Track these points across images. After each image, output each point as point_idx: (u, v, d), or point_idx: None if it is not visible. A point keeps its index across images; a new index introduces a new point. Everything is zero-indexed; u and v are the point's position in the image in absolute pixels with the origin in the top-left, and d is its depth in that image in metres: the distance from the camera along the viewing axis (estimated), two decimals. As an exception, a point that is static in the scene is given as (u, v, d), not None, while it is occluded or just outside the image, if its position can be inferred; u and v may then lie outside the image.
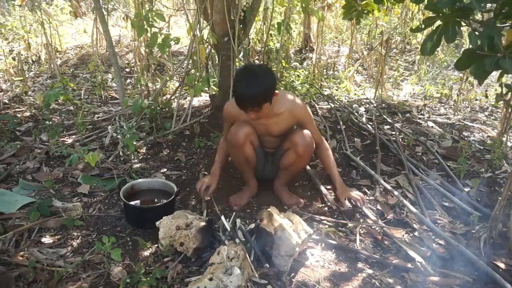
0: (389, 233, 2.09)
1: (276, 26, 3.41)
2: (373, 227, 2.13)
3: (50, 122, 2.97)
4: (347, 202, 2.27)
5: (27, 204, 2.19)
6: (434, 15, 1.61)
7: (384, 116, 3.71)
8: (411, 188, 2.51)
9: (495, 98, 2.60)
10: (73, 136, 3.15)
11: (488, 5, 1.59)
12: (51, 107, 3.23)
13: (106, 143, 2.98)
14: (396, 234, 2.08)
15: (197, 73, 3.07)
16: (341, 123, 3.37)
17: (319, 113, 3.56)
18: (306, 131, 2.18)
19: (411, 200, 2.40)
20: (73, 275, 1.70)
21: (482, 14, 1.61)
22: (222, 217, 2.03)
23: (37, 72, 4.90)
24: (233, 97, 2.10)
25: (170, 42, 2.80)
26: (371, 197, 2.44)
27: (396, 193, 2.39)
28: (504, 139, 2.99)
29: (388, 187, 2.47)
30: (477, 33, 1.51)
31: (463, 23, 1.61)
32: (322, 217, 2.20)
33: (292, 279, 1.73)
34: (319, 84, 4.56)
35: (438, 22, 1.62)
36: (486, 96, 4.12)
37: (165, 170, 2.69)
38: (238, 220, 2.02)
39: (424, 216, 2.20)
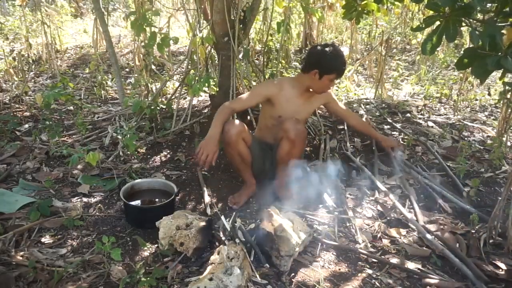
0: (389, 233, 2.10)
1: (276, 26, 3.41)
2: (372, 227, 2.13)
3: (50, 122, 2.97)
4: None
5: (27, 204, 2.19)
6: (434, 14, 1.61)
7: (384, 116, 3.71)
8: (410, 188, 2.50)
9: (498, 95, 2.60)
10: (73, 136, 3.15)
11: (488, 4, 1.59)
12: (51, 107, 3.23)
13: (106, 143, 2.98)
14: (396, 234, 2.09)
15: (197, 73, 3.06)
16: (345, 123, 3.36)
17: (318, 113, 3.55)
18: (296, 119, 2.27)
19: (411, 200, 2.40)
20: (73, 275, 1.70)
21: (483, 14, 1.61)
22: (222, 217, 2.04)
23: (37, 72, 4.90)
24: (324, 72, 2.29)
25: (168, 42, 2.80)
26: (371, 198, 2.44)
27: (391, 196, 2.38)
28: (504, 139, 2.99)
29: (383, 188, 2.47)
30: (478, 32, 1.51)
31: (463, 22, 1.60)
32: (322, 217, 2.20)
33: (292, 279, 1.73)
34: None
35: (439, 22, 1.62)
36: (489, 94, 4.12)
37: (165, 170, 2.69)
38: (238, 220, 2.02)
39: (415, 219, 2.18)
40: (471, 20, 1.60)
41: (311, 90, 2.40)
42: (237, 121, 2.26)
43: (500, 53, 1.46)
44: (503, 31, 1.53)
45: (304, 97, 2.43)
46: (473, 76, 4.18)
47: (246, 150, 2.29)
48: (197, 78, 2.98)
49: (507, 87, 2.12)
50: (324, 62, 2.27)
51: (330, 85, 2.36)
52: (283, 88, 2.37)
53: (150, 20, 2.72)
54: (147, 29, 2.80)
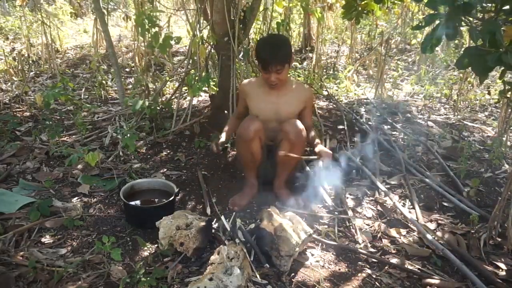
0: (389, 233, 2.10)
1: (276, 26, 3.41)
2: (372, 227, 2.13)
3: (50, 122, 2.97)
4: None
5: (27, 204, 2.19)
6: (434, 13, 1.61)
7: (384, 116, 3.71)
8: (410, 189, 2.50)
9: (498, 94, 2.60)
10: (73, 136, 3.15)
11: (488, 4, 1.58)
12: (51, 107, 3.23)
13: (106, 143, 2.98)
14: (396, 234, 2.09)
15: (197, 73, 3.06)
16: (345, 123, 3.36)
17: (318, 113, 3.56)
18: (296, 120, 2.23)
19: (411, 199, 2.40)
20: (73, 275, 1.70)
21: (484, 13, 1.60)
22: (222, 217, 2.04)
23: (37, 72, 4.90)
24: (258, 61, 2.24)
25: (169, 42, 2.80)
26: (371, 198, 2.44)
27: (391, 195, 2.38)
28: (504, 139, 2.99)
29: (383, 188, 2.46)
30: (478, 29, 1.50)
31: (463, 21, 1.60)
32: (322, 217, 2.20)
33: (292, 279, 1.73)
34: (319, 84, 4.56)
35: (438, 21, 1.62)
36: (489, 93, 4.11)
37: (165, 170, 2.69)
38: (238, 220, 2.02)
39: (415, 219, 2.18)
40: (470, 19, 1.60)
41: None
42: (255, 119, 2.24)
43: (500, 50, 1.46)
44: (503, 28, 1.52)
45: (274, 94, 2.31)
46: (473, 76, 4.19)
47: (259, 149, 2.27)
48: (197, 78, 2.98)
49: (507, 87, 2.12)
50: (256, 51, 2.24)
51: (267, 76, 2.20)
52: (253, 87, 2.37)
53: (154, 20, 2.72)
54: (150, 29, 2.80)
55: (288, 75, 2.35)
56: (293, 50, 2.28)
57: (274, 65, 2.15)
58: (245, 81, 2.51)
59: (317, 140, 2.33)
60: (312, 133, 2.38)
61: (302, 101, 2.34)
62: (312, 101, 2.45)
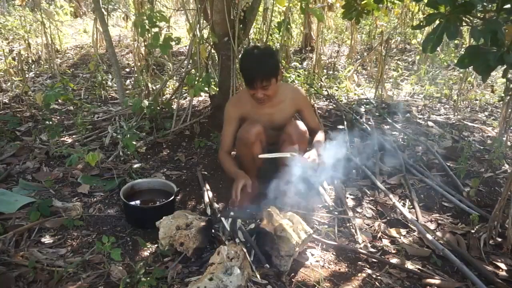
0: (389, 233, 2.10)
1: (276, 26, 3.41)
2: (372, 227, 2.13)
3: (50, 122, 2.97)
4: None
5: (27, 204, 2.19)
6: (435, 12, 1.61)
7: (384, 116, 3.71)
8: (410, 188, 2.50)
9: (504, 92, 2.58)
10: (73, 136, 3.15)
11: (489, 5, 1.58)
12: (51, 107, 3.23)
13: (106, 143, 2.98)
14: (396, 234, 2.08)
15: (197, 73, 3.06)
16: (345, 123, 3.36)
17: (318, 113, 3.55)
18: (299, 122, 2.23)
19: (410, 199, 2.40)
20: (73, 275, 1.70)
21: (485, 12, 1.60)
22: (222, 217, 2.03)
23: (37, 72, 4.90)
24: (242, 77, 2.16)
25: (170, 43, 2.80)
26: (371, 198, 2.44)
27: (391, 196, 2.38)
28: (504, 139, 2.99)
29: (383, 188, 2.46)
30: (479, 28, 1.50)
31: (464, 21, 1.60)
32: (322, 216, 2.20)
33: (292, 279, 1.73)
34: (319, 84, 4.56)
35: (439, 20, 1.62)
36: (493, 91, 4.10)
37: (165, 170, 2.69)
38: (238, 220, 2.02)
39: (415, 219, 2.18)
40: (471, 18, 1.60)
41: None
42: (256, 122, 2.21)
43: (502, 49, 1.45)
44: (504, 28, 1.52)
45: (267, 104, 2.25)
46: (474, 75, 4.19)
47: (260, 152, 2.27)
48: (197, 78, 2.98)
49: (510, 85, 2.11)
50: (239, 66, 2.13)
51: (253, 92, 2.11)
52: (247, 103, 2.30)
53: (155, 20, 2.71)
54: (150, 30, 2.79)
55: (281, 82, 2.27)
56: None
57: (259, 81, 2.05)
58: (231, 102, 2.40)
59: (317, 143, 2.26)
60: (319, 135, 2.30)
61: (294, 104, 2.32)
62: (306, 101, 2.36)
